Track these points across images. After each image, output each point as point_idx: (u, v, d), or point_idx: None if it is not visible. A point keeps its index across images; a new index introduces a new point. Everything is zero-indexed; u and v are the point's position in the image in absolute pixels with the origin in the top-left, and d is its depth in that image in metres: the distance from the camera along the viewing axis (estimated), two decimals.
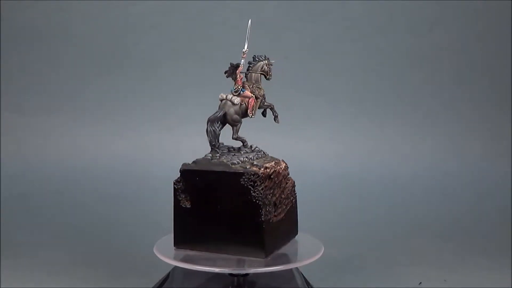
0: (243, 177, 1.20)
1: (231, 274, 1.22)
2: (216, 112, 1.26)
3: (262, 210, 1.19)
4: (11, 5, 2.22)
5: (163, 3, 2.24)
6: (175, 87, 2.26)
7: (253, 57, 1.30)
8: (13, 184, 2.08)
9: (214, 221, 1.22)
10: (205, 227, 1.23)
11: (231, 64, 1.28)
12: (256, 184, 1.20)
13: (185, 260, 1.22)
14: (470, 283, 1.51)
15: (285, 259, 1.23)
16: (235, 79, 1.28)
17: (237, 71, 1.27)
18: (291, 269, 1.29)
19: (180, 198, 1.24)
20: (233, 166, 1.21)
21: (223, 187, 1.21)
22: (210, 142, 1.25)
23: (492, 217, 1.94)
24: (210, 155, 1.25)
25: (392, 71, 2.30)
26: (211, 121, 1.25)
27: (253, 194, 1.20)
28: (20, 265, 1.58)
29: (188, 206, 1.24)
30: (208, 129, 1.25)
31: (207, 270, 1.18)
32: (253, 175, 1.20)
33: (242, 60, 1.28)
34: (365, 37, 2.28)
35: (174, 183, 1.24)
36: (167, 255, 1.23)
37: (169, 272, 1.32)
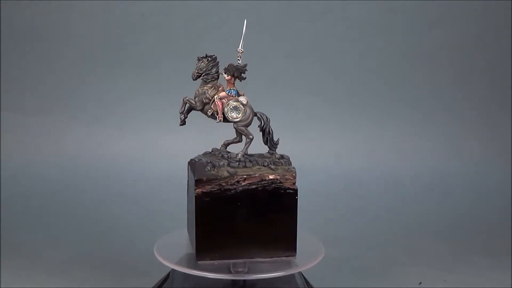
0: None
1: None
2: (266, 117, 1.29)
3: None
4: (11, 5, 2.22)
5: (163, 3, 2.24)
6: (175, 87, 2.25)
7: (214, 57, 1.30)
8: (13, 184, 2.08)
9: None
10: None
11: (243, 65, 1.28)
12: None
13: (184, 264, 1.22)
14: (470, 283, 1.51)
15: (286, 264, 1.24)
16: (241, 80, 1.28)
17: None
18: None
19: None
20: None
21: None
22: (275, 143, 1.30)
23: (492, 217, 1.94)
24: (268, 155, 1.29)
25: (392, 71, 2.29)
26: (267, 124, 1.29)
27: None
28: (20, 265, 1.58)
29: None
30: (271, 131, 1.29)
31: (207, 276, 1.19)
32: None
33: (239, 61, 1.29)
34: (365, 37, 2.28)
35: (296, 199, 1.24)
36: (166, 257, 1.23)
37: (169, 272, 1.32)
